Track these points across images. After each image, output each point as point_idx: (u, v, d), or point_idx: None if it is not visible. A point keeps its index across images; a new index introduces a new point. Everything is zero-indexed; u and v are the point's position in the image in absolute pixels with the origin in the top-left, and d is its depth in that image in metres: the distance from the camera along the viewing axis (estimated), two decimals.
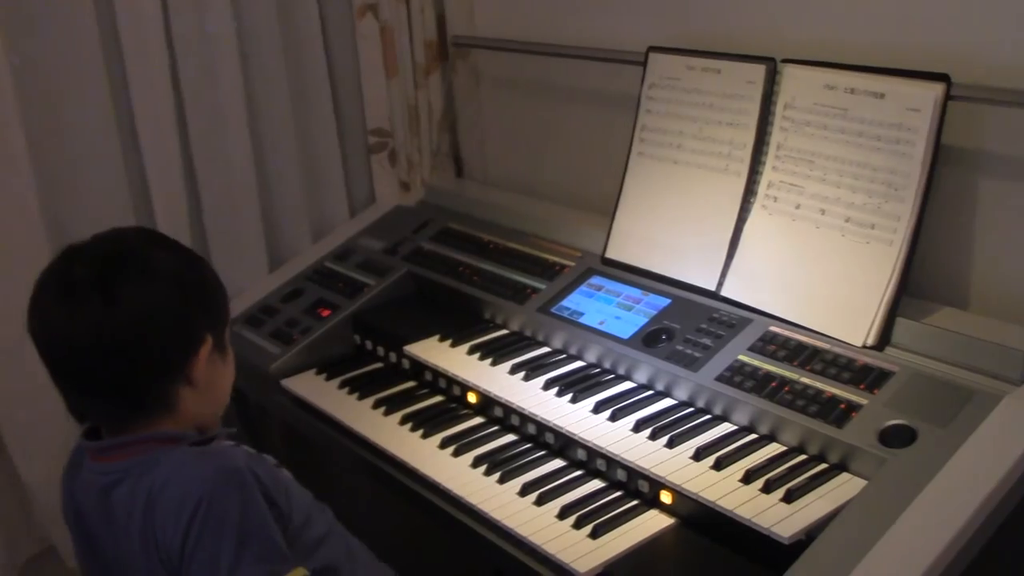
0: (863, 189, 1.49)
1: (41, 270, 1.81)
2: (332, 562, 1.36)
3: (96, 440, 1.30)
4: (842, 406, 1.36)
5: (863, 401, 1.35)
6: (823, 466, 1.34)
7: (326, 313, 1.96)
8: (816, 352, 1.46)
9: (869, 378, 1.38)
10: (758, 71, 1.63)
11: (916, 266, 1.46)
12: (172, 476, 1.21)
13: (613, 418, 1.50)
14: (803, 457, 1.36)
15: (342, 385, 1.81)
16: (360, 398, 1.76)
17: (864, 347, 1.44)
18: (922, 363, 1.39)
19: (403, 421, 1.66)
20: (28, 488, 1.93)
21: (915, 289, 1.50)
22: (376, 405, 1.72)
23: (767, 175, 1.61)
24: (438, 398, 1.74)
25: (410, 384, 1.80)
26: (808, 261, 1.53)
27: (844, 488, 1.29)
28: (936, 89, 1.42)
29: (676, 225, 1.72)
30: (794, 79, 1.59)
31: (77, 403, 1.29)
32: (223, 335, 1.34)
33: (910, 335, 1.43)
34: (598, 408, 1.52)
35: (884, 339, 1.44)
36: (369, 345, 1.92)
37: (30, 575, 2.01)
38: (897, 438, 1.28)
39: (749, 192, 1.63)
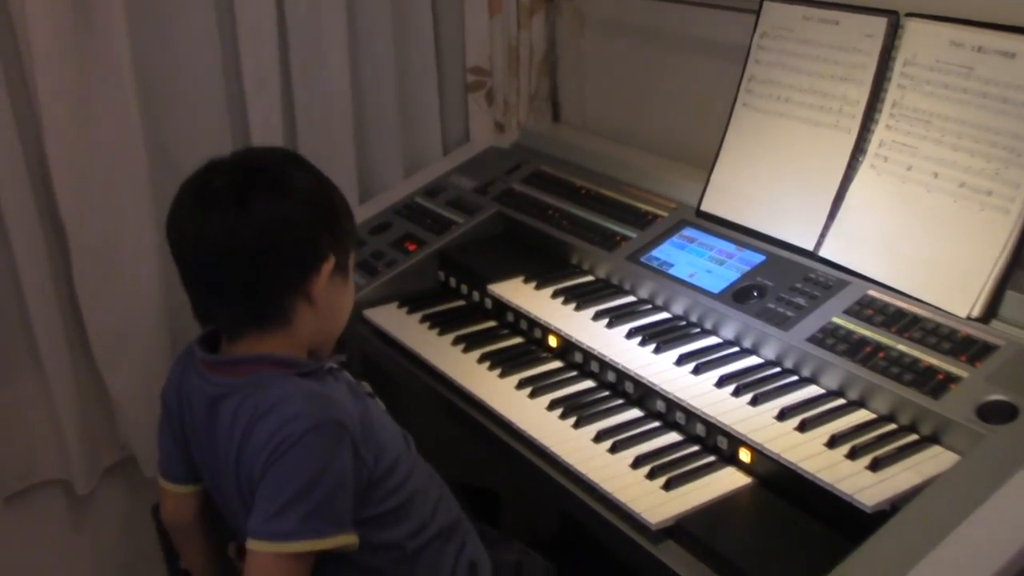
0: (982, 153, 1.41)
1: (136, 180, 1.86)
2: (407, 502, 1.37)
3: (211, 351, 1.35)
4: (940, 377, 1.29)
5: (963, 374, 1.29)
6: (914, 437, 1.28)
7: (412, 248, 1.95)
8: (916, 320, 1.39)
9: (972, 350, 1.31)
10: (879, 24, 1.55)
11: None
12: (278, 404, 1.24)
13: (696, 372, 1.46)
14: (893, 426, 1.31)
15: (423, 320, 1.80)
16: (440, 333, 1.75)
17: (969, 318, 1.37)
18: None
19: (482, 359, 1.65)
20: (113, 398, 1.97)
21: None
22: (456, 342, 1.71)
23: (879, 134, 1.54)
24: (518, 339, 1.72)
25: (491, 324, 1.78)
26: (916, 226, 1.46)
27: (935, 461, 1.23)
28: None
29: (777, 181, 1.66)
30: (917, 34, 1.50)
31: (203, 306, 1.34)
32: (347, 261, 1.38)
33: (1019, 309, 1.35)
34: (681, 360, 1.49)
35: (991, 312, 1.37)
36: (453, 282, 1.90)
37: (110, 481, 2.07)
38: (997, 414, 1.22)
39: (858, 150, 1.56)
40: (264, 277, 1.28)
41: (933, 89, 1.47)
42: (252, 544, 1.23)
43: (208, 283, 1.30)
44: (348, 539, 1.27)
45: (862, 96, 1.56)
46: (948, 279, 1.41)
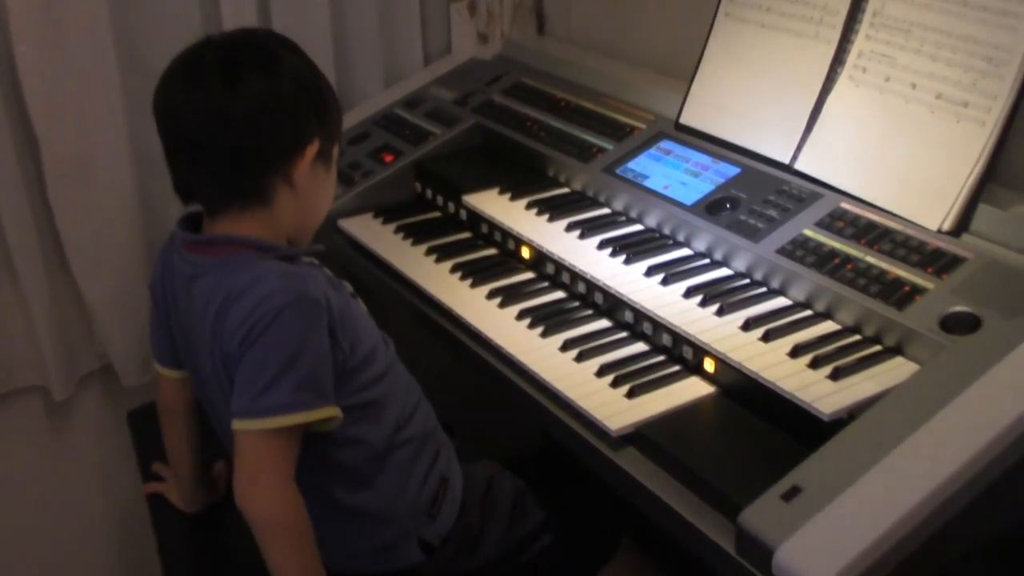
0: (960, 64, 1.38)
1: (109, 89, 1.83)
2: (381, 398, 1.38)
3: (192, 232, 1.35)
4: (906, 288, 1.28)
5: (929, 285, 1.28)
6: (877, 348, 1.28)
7: (389, 158, 1.93)
8: (887, 232, 1.38)
9: (940, 263, 1.31)
10: None
11: (1008, 151, 1.35)
12: (252, 284, 1.25)
13: (665, 282, 1.45)
14: (857, 337, 1.30)
15: (398, 230, 1.79)
16: (414, 244, 1.74)
17: (939, 231, 1.35)
18: (999, 252, 1.30)
19: (454, 269, 1.64)
20: (89, 307, 1.97)
21: (1004, 177, 1.40)
22: (429, 252, 1.70)
23: (859, 44, 1.51)
24: (492, 251, 1.71)
25: (466, 235, 1.77)
26: (892, 138, 1.44)
27: (896, 372, 1.23)
28: None
29: (756, 93, 1.63)
30: None
31: (185, 180, 1.33)
32: (331, 150, 1.37)
33: (991, 223, 1.34)
34: (651, 272, 1.48)
35: (962, 225, 1.35)
36: (429, 194, 1.89)
37: (87, 389, 2.08)
38: (960, 325, 1.21)
39: (837, 62, 1.53)
40: (248, 154, 1.28)
41: None
42: (238, 424, 1.24)
43: (192, 157, 1.30)
44: (334, 411, 1.28)
45: (843, 6, 1.53)
46: (921, 192, 1.39)
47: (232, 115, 1.26)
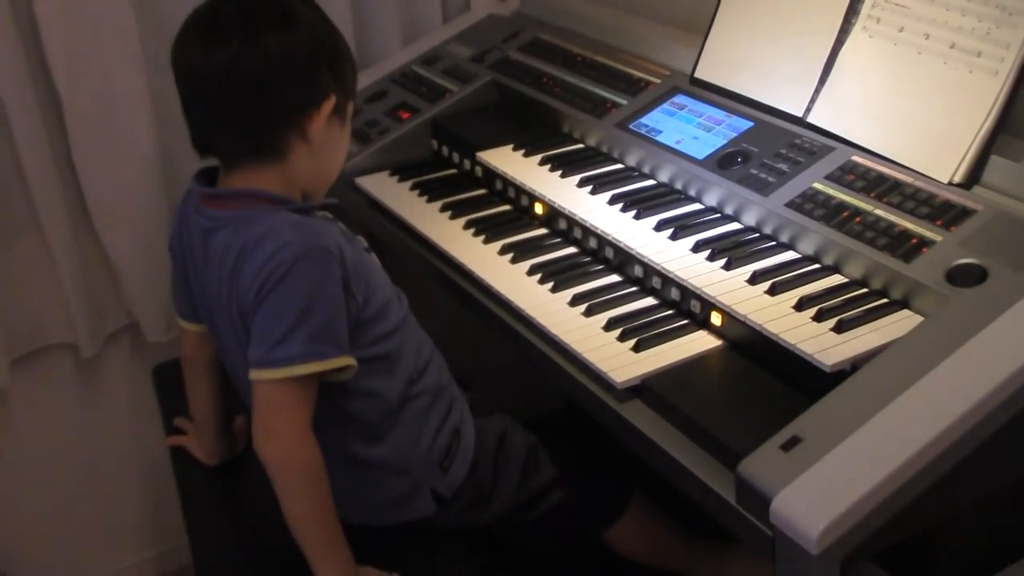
0: (973, 12, 1.36)
1: (126, 42, 1.85)
2: (394, 351, 1.40)
3: (208, 186, 1.37)
4: (913, 241, 1.28)
5: (937, 237, 1.27)
6: (883, 301, 1.27)
7: (406, 116, 1.94)
8: (897, 185, 1.37)
9: (949, 215, 1.29)
10: None
11: (1021, 102, 1.34)
12: (266, 235, 1.27)
13: (674, 237, 1.45)
14: (864, 290, 1.30)
15: (413, 187, 1.80)
16: (429, 201, 1.75)
17: (950, 184, 1.34)
18: (1010, 204, 1.29)
19: (467, 226, 1.65)
20: (115, 264, 2.01)
21: (1018, 128, 1.39)
22: (443, 208, 1.72)
23: None
24: (506, 207, 1.72)
25: (481, 192, 1.78)
26: (904, 89, 1.43)
27: (901, 324, 1.22)
28: None
29: (770, 46, 1.61)
30: None
31: (202, 133, 1.36)
32: (346, 106, 1.39)
33: (1003, 175, 1.32)
34: (660, 226, 1.48)
35: (973, 177, 1.34)
36: (445, 151, 1.90)
37: (113, 346, 2.13)
38: (966, 277, 1.20)
39: (851, 12, 1.51)
40: (265, 108, 1.30)
41: None
42: (255, 374, 1.26)
43: (209, 111, 1.32)
44: (349, 360, 1.30)
45: None
46: (933, 144, 1.38)
47: (249, 70, 1.28)
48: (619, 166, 1.68)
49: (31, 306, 2.00)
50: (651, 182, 1.62)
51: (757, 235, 1.45)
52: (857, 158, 1.43)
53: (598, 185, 1.60)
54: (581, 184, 1.62)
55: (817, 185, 1.42)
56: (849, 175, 1.41)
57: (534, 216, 1.67)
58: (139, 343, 2.12)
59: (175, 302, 1.52)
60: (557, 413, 1.86)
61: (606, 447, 1.53)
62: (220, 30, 1.29)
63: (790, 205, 1.41)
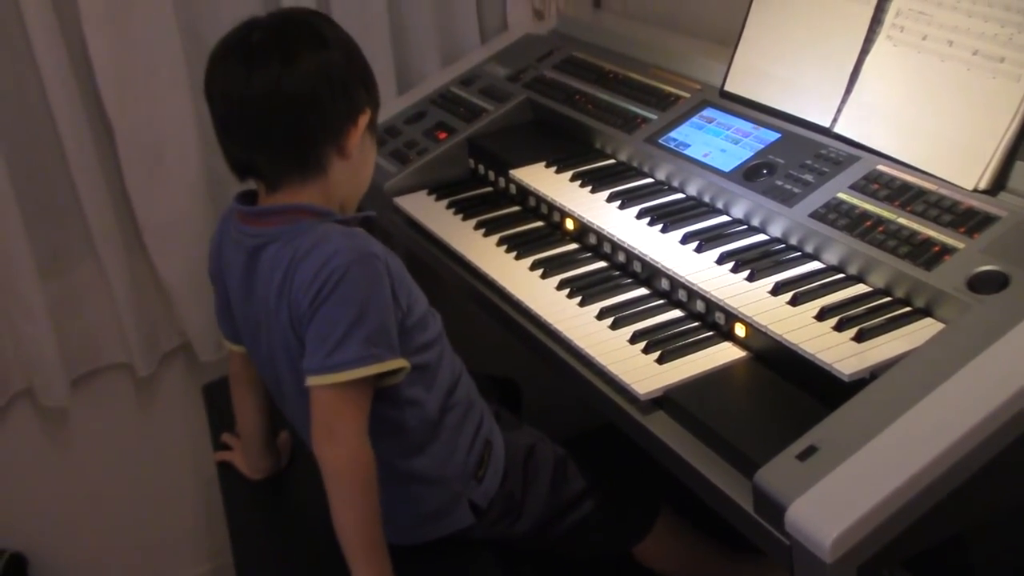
0: (996, 18, 1.35)
1: (175, 72, 1.91)
2: (433, 364, 1.44)
3: (249, 205, 1.41)
4: (935, 248, 1.27)
5: (960, 245, 1.26)
6: (906, 309, 1.27)
7: (443, 136, 1.98)
8: (921, 193, 1.37)
9: (972, 222, 1.29)
10: None
11: None
12: (317, 244, 1.31)
13: (699, 249, 1.47)
14: (887, 299, 1.30)
15: (449, 206, 1.84)
16: (464, 219, 1.78)
17: (976, 191, 1.34)
18: None
19: (500, 243, 1.68)
20: (167, 287, 2.08)
21: None
22: (478, 226, 1.75)
23: (896, 3, 1.49)
24: (538, 223, 1.75)
25: (515, 208, 1.81)
26: (929, 97, 1.42)
27: (923, 332, 1.22)
28: None
29: (797, 57, 1.62)
30: None
31: (244, 158, 1.39)
32: (375, 119, 1.44)
33: None
34: (686, 239, 1.49)
35: (999, 184, 1.33)
36: (481, 169, 1.93)
37: (167, 365, 2.20)
38: (988, 284, 1.20)
39: (876, 22, 1.51)
40: (310, 127, 1.34)
41: None
42: (314, 380, 1.29)
43: (253, 134, 1.35)
44: (402, 362, 1.34)
45: None
46: (958, 151, 1.37)
47: (293, 92, 1.32)
48: (649, 180, 1.70)
49: (88, 328, 2.08)
50: (679, 195, 1.64)
51: (783, 246, 1.45)
52: (882, 167, 1.43)
53: (627, 200, 1.62)
54: (610, 199, 1.65)
55: (842, 195, 1.42)
56: (874, 184, 1.41)
57: (566, 232, 1.69)
58: (192, 362, 2.19)
59: (220, 325, 1.57)
60: (591, 430, 1.87)
61: (638, 463, 1.55)
62: (258, 54, 1.33)
63: (814, 215, 1.41)
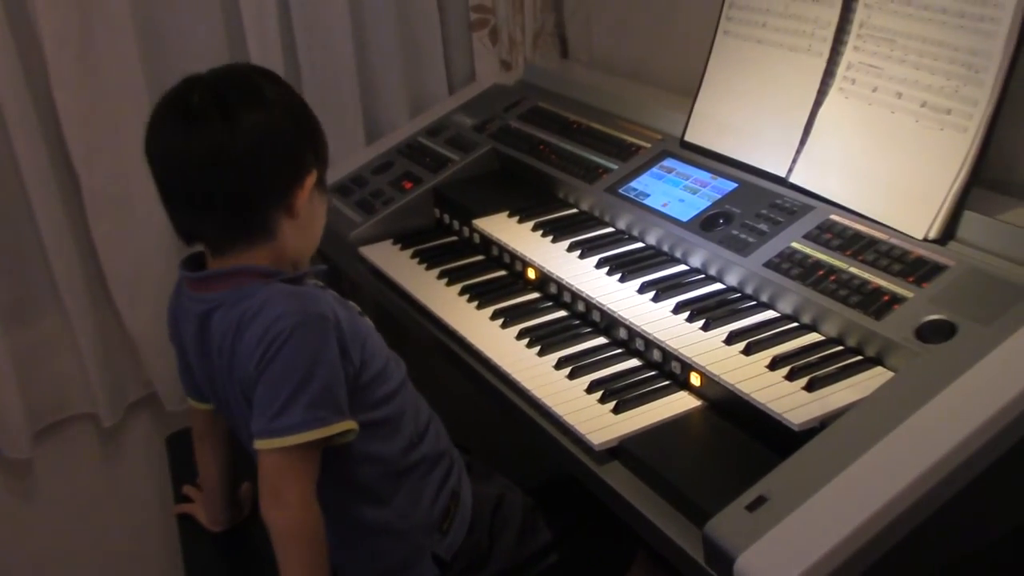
0: (942, 71, 1.38)
1: (141, 123, 1.92)
2: (395, 416, 1.43)
3: (197, 271, 1.39)
4: (885, 298, 1.29)
5: (909, 294, 1.28)
6: (857, 358, 1.28)
7: (409, 186, 2.00)
8: (872, 243, 1.38)
9: (921, 271, 1.30)
10: None
11: (992, 156, 1.35)
12: (263, 307, 1.29)
13: (656, 299, 1.48)
14: (839, 348, 1.31)
15: (414, 255, 1.85)
16: (428, 268, 1.79)
17: (926, 240, 1.35)
18: (983, 259, 1.30)
19: (462, 292, 1.69)
20: (133, 337, 2.07)
21: (992, 182, 1.40)
22: (441, 275, 1.75)
23: (847, 55, 1.52)
24: (501, 272, 1.75)
25: (478, 258, 1.82)
26: (879, 148, 1.45)
27: (873, 381, 1.23)
28: None
29: (754, 108, 1.65)
30: None
31: (188, 223, 1.36)
32: (323, 176, 1.41)
33: (977, 230, 1.33)
34: (643, 288, 1.51)
35: (948, 233, 1.35)
36: (446, 219, 1.94)
37: (133, 416, 2.18)
38: (936, 333, 1.21)
39: (828, 74, 1.54)
40: (252, 189, 1.30)
41: (897, 7, 1.44)
42: (260, 444, 1.28)
43: (195, 198, 1.31)
44: (350, 424, 1.32)
45: (833, 17, 1.54)
46: (908, 200, 1.39)
47: (235, 155, 1.28)
48: (609, 230, 1.71)
49: (53, 379, 2.07)
50: (639, 245, 1.65)
51: (739, 295, 1.47)
52: (835, 216, 1.45)
53: (587, 249, 1.64)
54: (571, 248, 1.66)
55: (795, 244, 1.44)
56: (827, 234, 1.43)
57: (527, 281, 1.70)
58: (158, 412, 2.18)
59: (183, 384, 1.56)
60: (560, 477, 1.87)
61: (608, 511, 1.54)
62: (197, 115, 1.28)
63: (768, 265, 1.43)
